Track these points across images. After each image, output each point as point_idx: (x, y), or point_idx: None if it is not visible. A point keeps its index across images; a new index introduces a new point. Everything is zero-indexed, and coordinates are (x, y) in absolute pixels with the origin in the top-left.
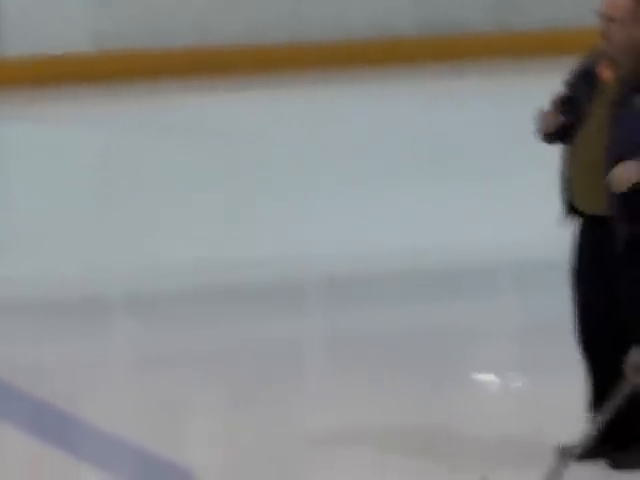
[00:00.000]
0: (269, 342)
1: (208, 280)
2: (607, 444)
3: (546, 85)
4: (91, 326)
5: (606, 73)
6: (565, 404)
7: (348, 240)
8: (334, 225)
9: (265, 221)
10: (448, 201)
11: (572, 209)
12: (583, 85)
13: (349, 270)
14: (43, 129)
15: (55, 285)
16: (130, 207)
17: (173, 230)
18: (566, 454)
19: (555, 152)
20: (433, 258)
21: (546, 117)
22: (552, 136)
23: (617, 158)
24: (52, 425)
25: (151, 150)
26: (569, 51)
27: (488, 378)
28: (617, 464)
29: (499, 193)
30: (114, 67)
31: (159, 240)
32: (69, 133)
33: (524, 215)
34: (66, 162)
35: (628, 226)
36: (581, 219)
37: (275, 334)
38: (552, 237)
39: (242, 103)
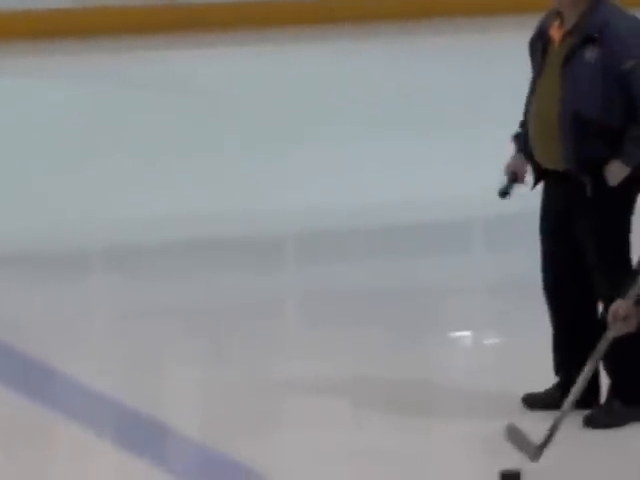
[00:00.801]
0: (246, 295)
1: (188, 234)
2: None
3: (519, 42)
4: (72, 279)
5: (556, 31)
6: (538, 357)
7: (323, 196)
8: (310, 181)
9: (242, 177)
10: (421, 157)
11: (535, 165)
12: (538, 44)
13: (325, 225)
14: (26, 83)
15: (37, 238)
16: (111, 161)
17: (153, 184)
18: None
19: None
20: (408, 214)
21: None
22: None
23: (571, 112)
24: (32, 378)
25: (132, 104)
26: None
27: (462, 333)
28: (591, 423)
29: (472, 148)
30: (96, 23)
31: (140, 194)
32: (52, 87)
33: (496, 170)
34: (48, 115)
35: (589, 177)
36: (546, 175)
37: (252, 287)
38: (524, 192)
39: (221, 59)
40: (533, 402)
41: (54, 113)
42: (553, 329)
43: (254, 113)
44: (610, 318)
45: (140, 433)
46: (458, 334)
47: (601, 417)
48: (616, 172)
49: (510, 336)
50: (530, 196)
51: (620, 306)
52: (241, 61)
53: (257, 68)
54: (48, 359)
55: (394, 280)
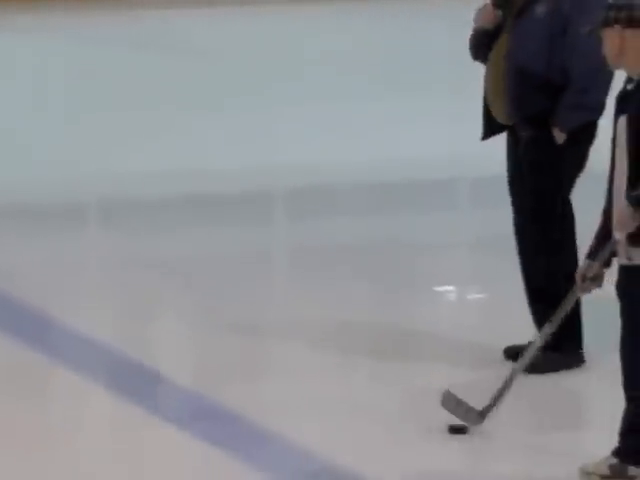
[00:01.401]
0: (241, 248)
1: (186, 189)
2: None
3: None
4: (71, 231)
5: None
6: (521, 311)
7: (318, 153)
8: (300, 138)
9: (240, 134)
10: (407, 116)
11: (488, 119)
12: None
13: (317, 181)
14: (26, 39)
15: (36, 189)
16: (111, 116)
17: (152, 140)
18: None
19: None
20: (395, 172)
21: (485, 10)
22: (485, 39)
23: (515, 66)
24: (30, 326)
25: (132, 62)
26: None
27: (447, 287)
28: (531, 369)
29: (456, 108)
30: None
31: (138, 149)
32: (52, 44)
33: (480, 129)
34: (48, 71)
35: (528, 130)
36: (506, 129)
37: (247, 241)
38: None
39: (221, 18)
40: (513, 354)
41: (54, 69)
42: (522, 274)
43: (253, 72)
44: (578, 278)
45: (136, 381)
46: (444, 288)
47: (540, 364)
48: (558, 138)
49: (494, 290)
50: None
51: (589, 267)
52: (241, 20)
53: (257, 28)
54: (47, 308)
55: (382, 235)
